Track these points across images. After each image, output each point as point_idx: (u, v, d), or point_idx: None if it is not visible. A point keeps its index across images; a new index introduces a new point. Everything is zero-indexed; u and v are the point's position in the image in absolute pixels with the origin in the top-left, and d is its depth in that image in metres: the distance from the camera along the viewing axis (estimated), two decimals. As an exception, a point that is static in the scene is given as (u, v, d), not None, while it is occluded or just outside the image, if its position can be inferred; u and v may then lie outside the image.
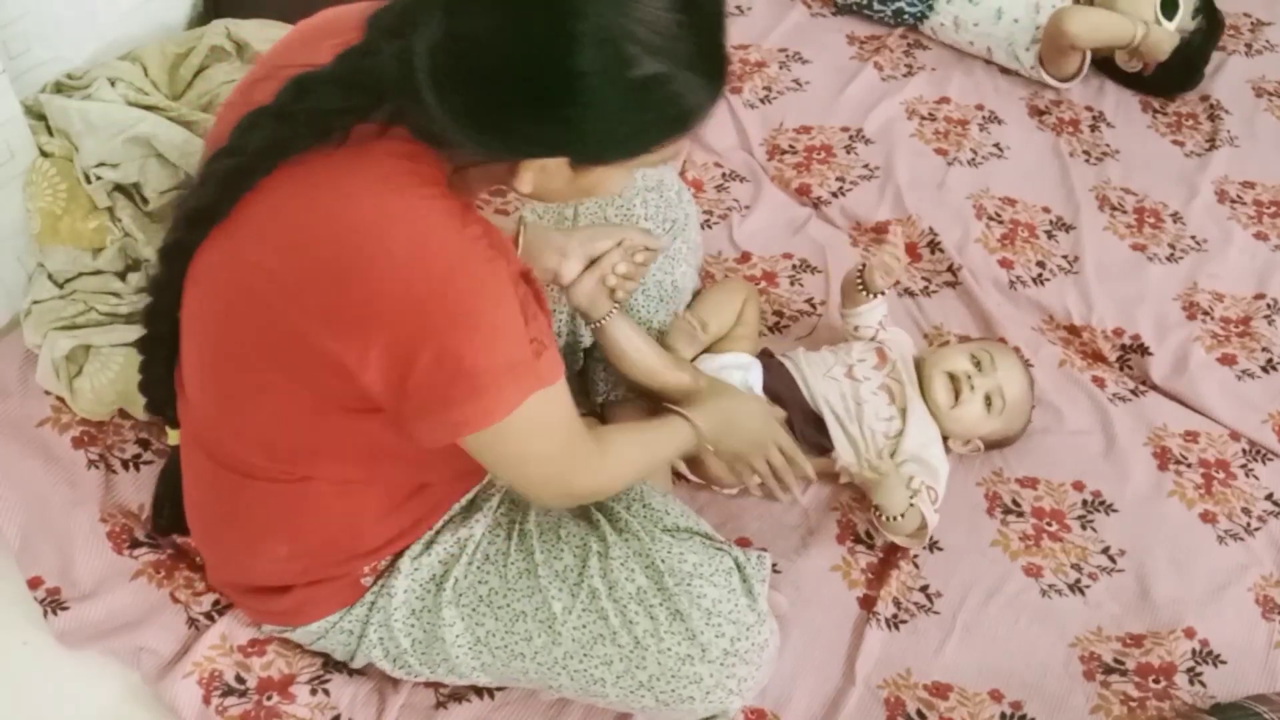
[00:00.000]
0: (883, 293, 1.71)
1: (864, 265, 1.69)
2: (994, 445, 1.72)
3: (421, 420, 1.07)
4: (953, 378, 1.65)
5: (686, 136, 1.04)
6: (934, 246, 2.05)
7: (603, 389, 1.62)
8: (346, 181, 1.02)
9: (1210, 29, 2.46)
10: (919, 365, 1.70)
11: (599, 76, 0.93)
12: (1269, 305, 2.03)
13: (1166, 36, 2.35)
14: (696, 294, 1.77)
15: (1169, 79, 2.46)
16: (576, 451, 1.20)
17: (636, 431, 1.39)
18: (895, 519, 1.54)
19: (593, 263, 1.44)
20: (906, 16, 2.52)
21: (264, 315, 1.07)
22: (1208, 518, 1.72)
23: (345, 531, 1.20)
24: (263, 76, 1.07)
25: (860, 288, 1.69)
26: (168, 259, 1.14)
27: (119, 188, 1.61)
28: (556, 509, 1.34)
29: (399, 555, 1.30)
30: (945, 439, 1.67)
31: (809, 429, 1.64)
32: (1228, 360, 1.93)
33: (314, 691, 1.38)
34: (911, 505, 1.54)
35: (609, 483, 1.30)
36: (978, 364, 1.67)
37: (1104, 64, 2.49)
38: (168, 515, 1.41)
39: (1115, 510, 1.71)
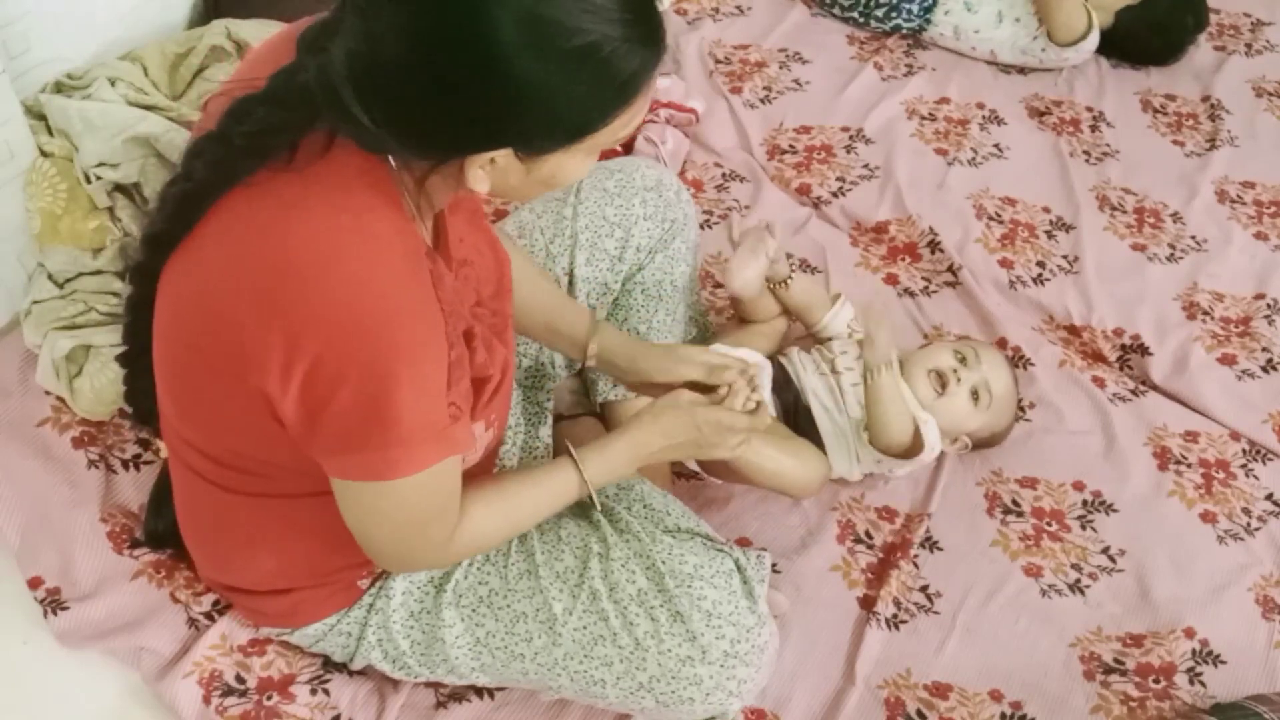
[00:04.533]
0: (838, 296, 1.75)
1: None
2: (981, 444, 1.72)
3: (328, 456, 1.05)
4: (939, 374, 1.65)
5: (635, 106, 0.99)
6: (934, 246, 2.05)
7: (602, 388, 1.62)
8: (300, 205, 1.00)
9: None
10: (904, 364, 1.69)
11: (523, 56, 0.90)
12: (1269, 305, 2.03)
13: None
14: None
15: (1148, 45, 2.52)
16: (436, 529, 1.14)
17: (500, 505, 1.22)
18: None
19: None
20: (905, 30, 2.52)
21: (207, 335, 1.06)
22: (1208, 518, 1.72)
23: (330, 544, 1.18)
24: (247, 78, 1.06)
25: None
26: (136, 279, 1.14)
27: (119, 188, 1.61)
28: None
29: None
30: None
31: (802, 422, 1.65)
32: (1228, 360, 1.93)
33: (314, 691, 1.38)
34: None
35: (447, 561, 1.24)
36: (962, 359, 1.67)
37: (1103, 46, 2.51)
38: (160, 527, 1.41)
39: (1115, 510, 1.71)
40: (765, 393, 1.59)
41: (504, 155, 0.99)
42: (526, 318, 1.42)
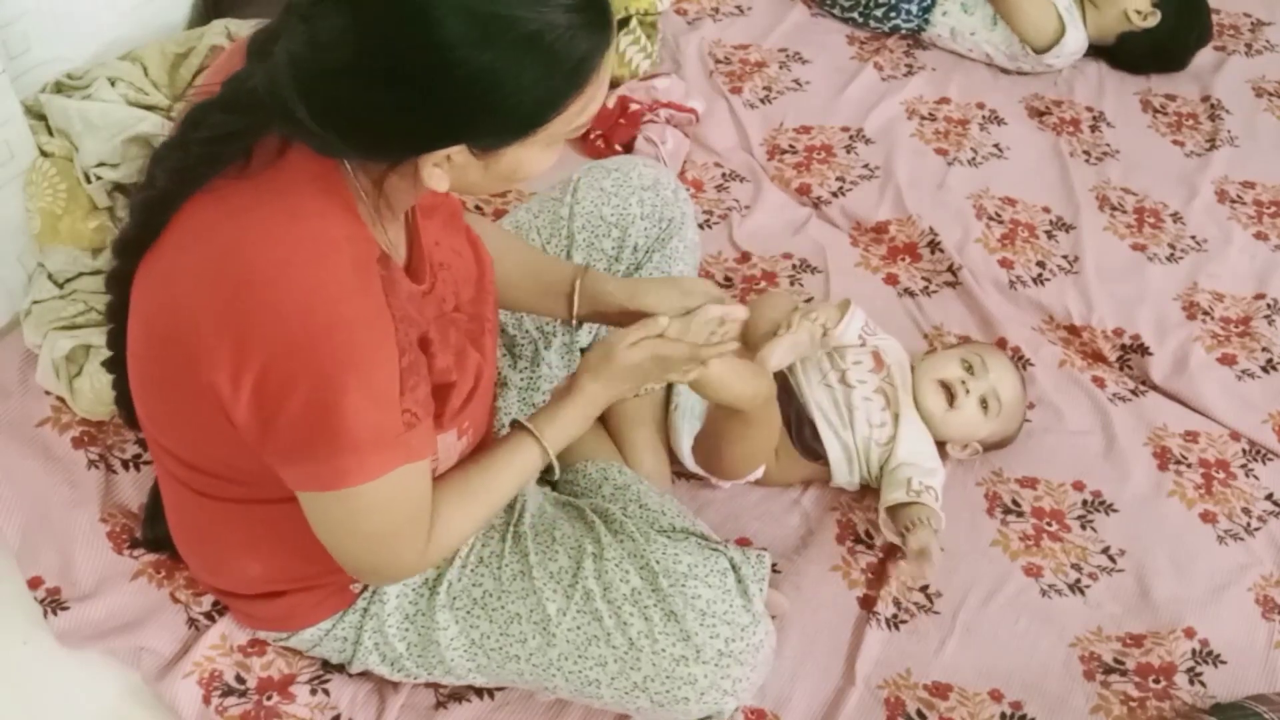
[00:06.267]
0: (846, 304, 1.69)
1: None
2: (993, 447, 1.72)
3: (282, 466, 1.05)
4: (946, 385, 1.65)
5: (588, 93, 0.98)
6: (934, 246, 2.05)
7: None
8: (252, 212, 1.00)
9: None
10: (912, 374, 1.69)
11: (467, 50, 0.90)
12: (1269, 305, 2.03)
13: None
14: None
15: (1150, 63, 2.50)
16: (408, 537, 1.13)
17: (469, 499, 1.21)
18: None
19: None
20: (904, 31, 2.52)
21: (169, 341, 1.06)
22: (1208, 518, 1.72)
23: (313, 549, 1.16)
24: (208, 84, 1.06)
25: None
26: (112, 285, 1.14)
27: (119, 188, 1.61)
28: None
29: None
30: (944, 445, 1.67)
31: (804, 433, 1.63)
32: (1228, 360, 1.93)
33: (314, 691, 1.38)
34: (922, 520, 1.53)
35: (426, 566, 1.21)
36: (969, 368, 1.67)
37: (1101, 52, 2.51)
38: (157, 533, 1.41)
39: (1115, 510, 1.71)
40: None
41: (459, 152, 0.98)
42: (513, 288, 1.40)
